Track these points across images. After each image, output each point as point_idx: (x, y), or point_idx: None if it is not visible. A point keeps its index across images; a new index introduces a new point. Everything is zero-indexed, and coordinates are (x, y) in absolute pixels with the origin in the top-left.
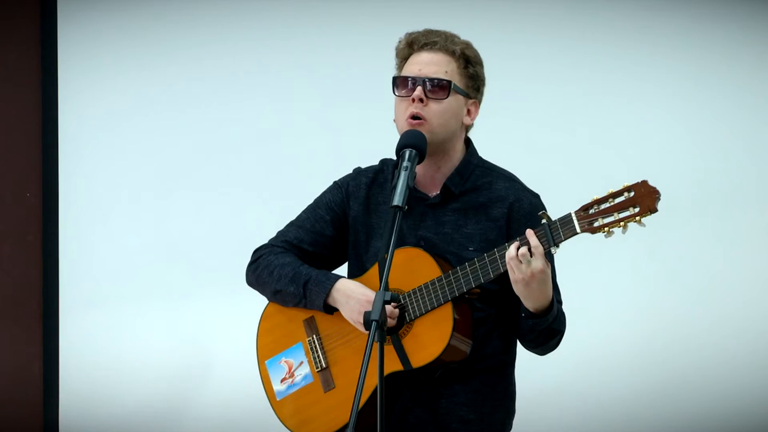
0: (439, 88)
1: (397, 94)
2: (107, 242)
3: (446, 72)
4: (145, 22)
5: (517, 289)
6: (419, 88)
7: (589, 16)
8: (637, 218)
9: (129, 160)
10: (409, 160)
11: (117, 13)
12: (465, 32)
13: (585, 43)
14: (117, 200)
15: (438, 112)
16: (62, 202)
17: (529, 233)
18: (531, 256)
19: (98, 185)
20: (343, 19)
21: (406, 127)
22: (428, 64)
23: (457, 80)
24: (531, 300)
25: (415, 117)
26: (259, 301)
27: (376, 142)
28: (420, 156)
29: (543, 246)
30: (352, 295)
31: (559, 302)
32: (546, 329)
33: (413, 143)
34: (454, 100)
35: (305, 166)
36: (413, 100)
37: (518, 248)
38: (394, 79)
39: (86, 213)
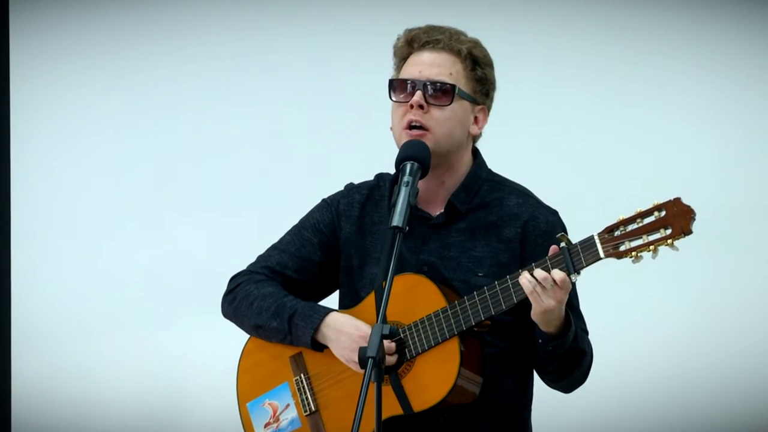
0: (442, 92)
1: (394, 99)
2: (66, 267)
3: (450, 74)
4: (102, 30)
5: (536, 316)
6: (419, 93)
7: (613, 18)
8: (669, 241)
9: (91, 178)
10: (410, 174)
11: (73, 20)
12: (473, 30)
13: (608, 45)
14: (77, 221)
15: (441, 120)
16: (15, 222)
17: (556, 274)
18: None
19: (56, 204)
20: (332, 16)
21: (404, 137)
22: (430, 65)
23: (462, 84)
24: (549, 322)
25: (414, 125)
26: (239, 335)
27: (371, 153)
28: (423, 170)
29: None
30: (343, 329)
31: (585, 332)
32: (569, 351)
33: (415, 155)
34: (459, 107)
35: (290, 182)
36: (412, 106)
37: (532, 273)
38: (391, 81)
39: (42, 234)
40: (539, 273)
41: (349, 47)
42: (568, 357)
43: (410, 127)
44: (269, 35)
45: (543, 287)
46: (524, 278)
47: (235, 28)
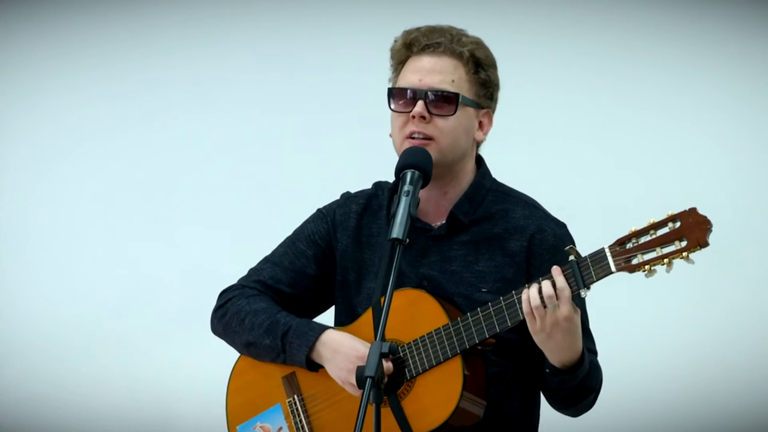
0: (445, 101)
1: (393, 108)
2: (46, 282)
3: (453, 81)
4: (92, 33)
5: (539, 340)
6: (420, 103)
7: (622, 20)
8: (685, 254)
9: (74, 192)
10: (411, 183)
11: (60, 23)
12: (477, 30)
13: (616, 47)
14: (61, 233)
15: (444, 130)
16: None
17: (555, 271)
18: (557, 300)
19: (39, 218)
20: (330, 17)
21: (405, 146)
22: (431, 71)
23: (466, 89)
24: (555, 353)
25: (416, 136)
26: (228, 352)
27: (368, 160)
28: (424, 178)
29: (571, 288)
30: (340, 348)
31: (593, 352)
32: (576, 387)
33: (416, 163)
34: (463, 115)
35: (283, 191)
36: (413, 117)
37: (540, 290)
38: (390, 90)
39: (22, 247)
40: (545, 287)
41: (347, 48)
42: (575, 392)
43: (412, 136)
44: (265, 36)
45: (542, 307)
46: (531, 294)
47: (229, 30)
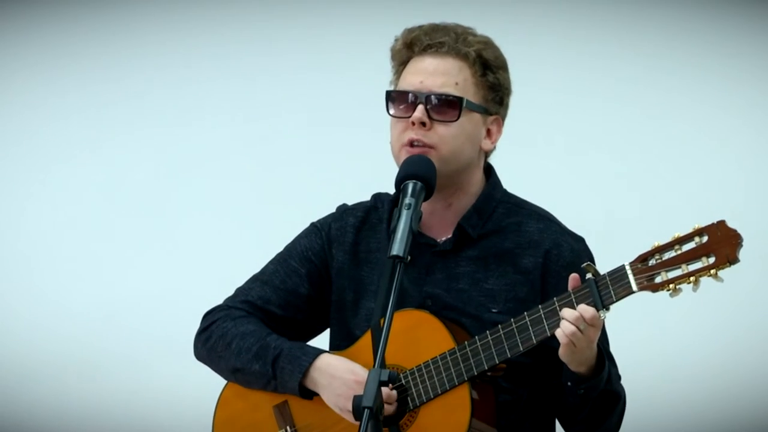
0: (448, 106)
1: (392, 113)
2: (25, 302)
3: (457, 84)
4: (87, 34)
5: (566, 357)
6: (421, 107)
7: (639, 22)
8: (713, 271)
9: (60, 212)
10: (412, 195)
11: (56, 24)
12: (487, 29)
13: (632, 49)
14: (40, 252)
15: (446, 137)
16: None
17: (567, 313)
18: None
19: (19, 236)
20: (329, 17)
21: (403, 154)
22: (433, 73)
23: (471, 93)
24: (578, 362)
25: (416, 144)
26: (215, 379)
27: (367, 170)
28: (427, 190)
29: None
30: (336, 374)
31: (618, 377)
32: (602, 395)
33: (418, 173)
34: (468, 121)
35: (275, 204)
36: (413, 123)
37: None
38: (388, 93)
39: (4, 265)
40: (568, 313)
41: (347, 48)
42: (600, 402)
43: (411, 144)
44: (264, 37)
45: (578, 330)
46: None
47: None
